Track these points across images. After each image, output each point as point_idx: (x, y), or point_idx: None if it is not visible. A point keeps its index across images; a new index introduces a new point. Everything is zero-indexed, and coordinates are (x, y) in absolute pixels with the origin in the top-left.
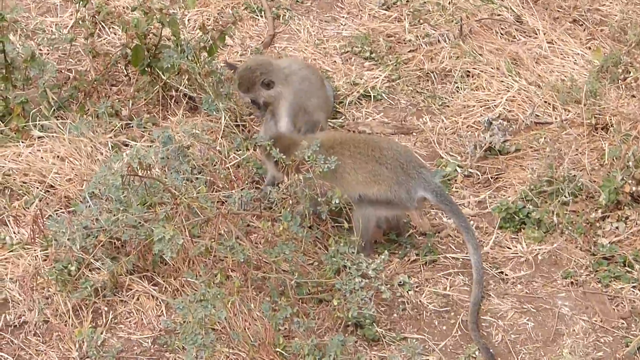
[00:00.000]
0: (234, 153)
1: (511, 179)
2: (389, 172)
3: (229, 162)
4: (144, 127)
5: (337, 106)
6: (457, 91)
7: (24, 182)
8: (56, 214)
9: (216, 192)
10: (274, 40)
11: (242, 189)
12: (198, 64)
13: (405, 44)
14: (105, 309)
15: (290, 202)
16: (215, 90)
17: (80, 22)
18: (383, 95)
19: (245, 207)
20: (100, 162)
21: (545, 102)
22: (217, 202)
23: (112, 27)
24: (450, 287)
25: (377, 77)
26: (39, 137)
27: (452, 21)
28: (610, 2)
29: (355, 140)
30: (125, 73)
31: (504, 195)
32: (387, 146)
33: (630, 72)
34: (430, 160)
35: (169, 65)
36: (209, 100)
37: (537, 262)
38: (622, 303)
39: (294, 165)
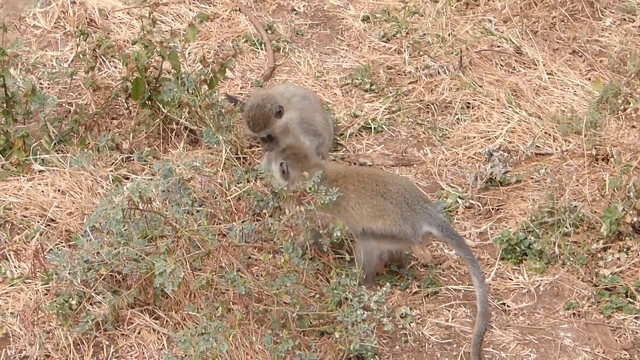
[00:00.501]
0: (235, 185)
1: (512, 210)
2: (394, 207)
3: (230, 195)
4: (145, 160)
5: (338, 138)
6: (458, 122)
7: (24, 216)
8: (57, 247)
9: (217, 224)
10: (275, 72)
11: (243, 222)
12: (198, 97)
13: (405, 75)
14: (107, 343)
15: (292, 234)
16: (216, 122)
17: (80, 55)
18: (383, 127)
19: (246, 239)
20: (101, 196)
21: (546, 133)
22: (218, 234)
23: (113, 61)
24: (452, 319)
25: (378, 109)
26: (39, 171)
27: (452, 53)
28: (610, 34)
29: (360, 174)
30: (126, 106)
31: (505, 227)
32: (392, 181)
33: (630, 103)
34: (431, 192)
35: (170, 99)
36: (209, 133)
37: (539, 293)
38: (625, 334)
39: (296, 196)
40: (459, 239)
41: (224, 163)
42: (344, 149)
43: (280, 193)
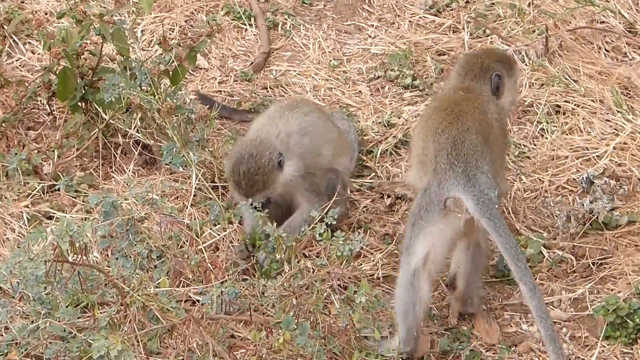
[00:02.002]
0: (210, 229)
1: (622, 266)
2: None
3: (203, 243)
4: (77, 191)
5: (364, 158)
6: (542, 135)
7: None
8: None
9: (184, 286)
10: (269, 60)
11: (222, 282)
12: (156, 97)
13: None
14: None
15: (294, 301)
16: (182, 135)
17: None
18: None
19: (227, 308)
20: (12, 243)
21: None
22: (186, 301)
23: (29, 42)
24: None
25: None
26: None
27: (534, 31)
28: None
29: None
30: (49, 110)
31: (611, 290)
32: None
33: None
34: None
35: (113, 99)
36: (172, 150)
37: None
38: None
39: (300, 246)
40: (498, 223)
41: (194, 195)
42: (373, 173)
43: (255, 238)
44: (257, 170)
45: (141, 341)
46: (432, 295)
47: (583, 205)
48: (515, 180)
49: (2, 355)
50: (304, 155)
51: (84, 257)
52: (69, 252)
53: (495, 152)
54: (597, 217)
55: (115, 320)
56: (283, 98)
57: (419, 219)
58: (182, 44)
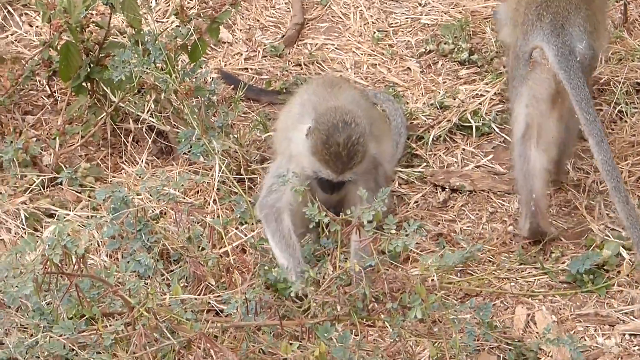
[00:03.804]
0: (236, 228)
1: None
2: None
3: (227, 244)
4: (81, 185)
5: (414, 145)
6: (620, 118)
7: None
8: None
9: (204, 294)
10: (303, 32)
11: (251, 286)
12: (173, 76)
13: None
14: None
15: (335, 308)
16: (203, 119)
17: None
18: (493, 126)
19: (255, 318)
20: (7, 245)
21: None
22: (206, 311)
23: (26, 14)
24: None
25: (483, 96)
26: None
27: None
28: None
29: None
30: (49, 92)
31: None
32: None
33: None
34: (574, 239)
35: (123, 78)
36: (191, 137)
37: None
38: None
39: (347, 231)
40: (574, 75)
41: (217, 189)
42: (425, 163)
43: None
44: (357, 139)
45: (152, 359)
46: None
47: None
48: (590, 171)
49: None
50: (373, 127)
51: (82, 267)
52: (64, 262)
53: (594, 7)
54: None
55: (123, 335)
56: (319, 76)
57: (512, 80)
58: (202, 15)
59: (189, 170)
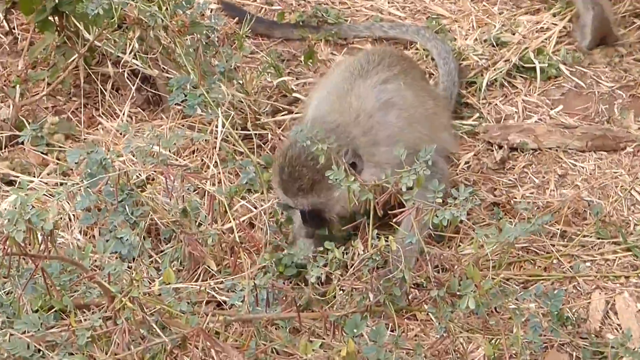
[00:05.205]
0: (242, 198)
1: None
2: None
3: (232, 216)
4: (48, 144)
5: (464, 92)
6: None
7: None
8: None
9: (203, 280)
10: None
11: (261, 270)
12: (163, 8)
13: None
14: None
15: (367, 297)
16: (200, 62)
17: None
18: (562, 68)
19: (265, 309)
20: None
21: None
22: (205, 302)
23: None
24: None
25: (550, 29)
26: None
27: None
28: None
29: None
30: (7, 28)
31: None
32: None
33: None
34: None
35: (100, 12)
36: (185, 84)
37: None
38: None
39: (382, 201)
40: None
41: (219, 149)
42: (477, 114)
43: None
44: (306, 163)
45: None
46: None
47: None
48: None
49: None
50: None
51: (50, 247)
52: (28, 241)
53: None
54: None
55: (101, 332)
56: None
57: None
58: None
59: (183, 125)
